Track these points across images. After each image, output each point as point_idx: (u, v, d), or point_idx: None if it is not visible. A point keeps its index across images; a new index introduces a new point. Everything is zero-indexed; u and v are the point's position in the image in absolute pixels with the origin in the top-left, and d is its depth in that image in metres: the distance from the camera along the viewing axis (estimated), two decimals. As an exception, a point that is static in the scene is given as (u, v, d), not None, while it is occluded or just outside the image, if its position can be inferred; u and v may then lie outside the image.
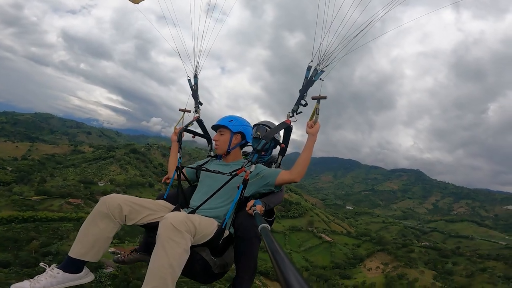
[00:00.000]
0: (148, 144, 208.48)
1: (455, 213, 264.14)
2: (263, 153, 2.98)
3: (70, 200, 78.33)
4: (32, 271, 40.98)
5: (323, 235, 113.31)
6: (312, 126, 2.44)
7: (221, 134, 2.63)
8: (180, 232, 1.76)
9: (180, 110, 3.14)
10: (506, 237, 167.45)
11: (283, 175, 2.45)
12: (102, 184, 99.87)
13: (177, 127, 3.07)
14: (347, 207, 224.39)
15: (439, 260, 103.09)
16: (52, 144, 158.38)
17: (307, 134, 2.49)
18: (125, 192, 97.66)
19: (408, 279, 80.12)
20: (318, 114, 2.43)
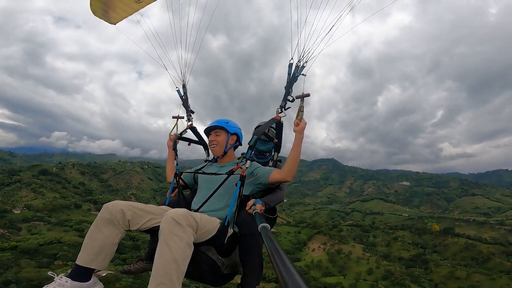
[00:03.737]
0: (60, 163, 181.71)
1: (366, 193, 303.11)
2: (267, 154, 3.05)
3: (-10, 231, 69.41)
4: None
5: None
6: (298, 124, 2.47)
7: (217, 135, 2.66)
8: (181, 226, 1.74)
9: (174, 117, 3.15)
10: (407, 209, 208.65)
11: (274, 174, 2.45)
12: (19, 212, 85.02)
13: (172, 134, 3.09)
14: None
15: (363, 235, 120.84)
16: None
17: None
18: (49, 217, 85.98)
19: (345, 253, 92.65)
20: (302, 112, 2.47)
